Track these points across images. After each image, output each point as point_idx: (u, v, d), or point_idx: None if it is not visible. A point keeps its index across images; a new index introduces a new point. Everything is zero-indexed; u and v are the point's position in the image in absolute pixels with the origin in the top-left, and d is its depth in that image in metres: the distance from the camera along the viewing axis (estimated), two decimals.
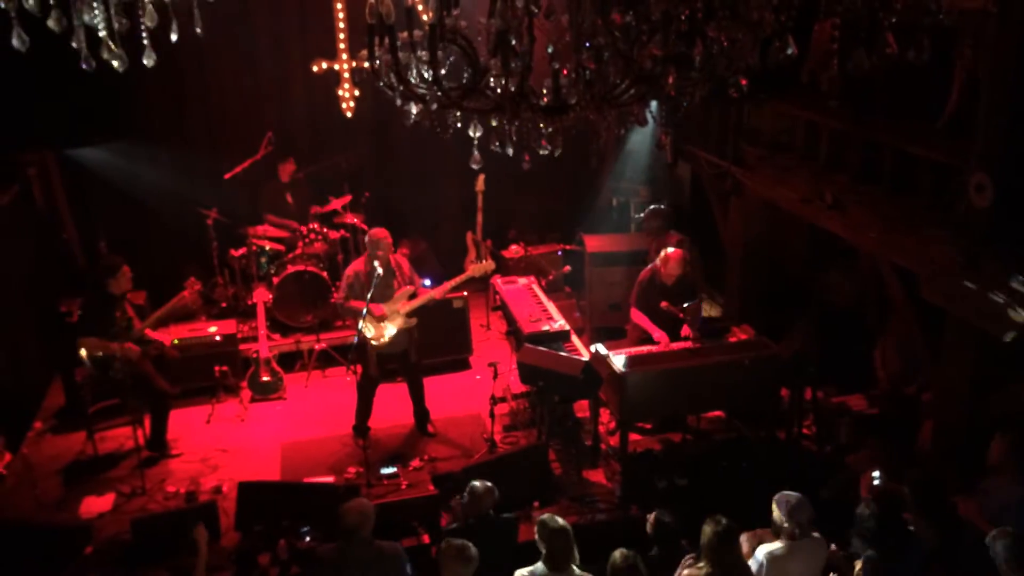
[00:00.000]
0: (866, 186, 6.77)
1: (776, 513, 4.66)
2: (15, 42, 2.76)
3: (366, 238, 7.20)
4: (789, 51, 3.08)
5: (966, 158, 5.54)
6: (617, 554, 4.41)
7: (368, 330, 7.08)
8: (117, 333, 6.91)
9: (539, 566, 4.52)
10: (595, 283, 9.23)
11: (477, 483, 5.30)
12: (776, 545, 4.67)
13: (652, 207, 9.13)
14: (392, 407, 7.91)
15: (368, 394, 7.47)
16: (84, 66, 2.88)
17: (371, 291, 6.90)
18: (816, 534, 4.70)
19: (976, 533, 4.89)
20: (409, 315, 7.21)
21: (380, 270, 6.96)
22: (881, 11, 2.91)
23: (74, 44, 2.82)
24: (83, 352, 6.85)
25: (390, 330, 7.14)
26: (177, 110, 9.86)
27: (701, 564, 4.49)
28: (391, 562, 4.85)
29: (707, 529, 4.50)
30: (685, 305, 7.05)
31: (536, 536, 4.60)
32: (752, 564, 4.68)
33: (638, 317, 7.42)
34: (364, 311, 6.89)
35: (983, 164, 5.33)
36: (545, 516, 4.66)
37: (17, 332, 8.12)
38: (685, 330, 7.12)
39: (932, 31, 2.99)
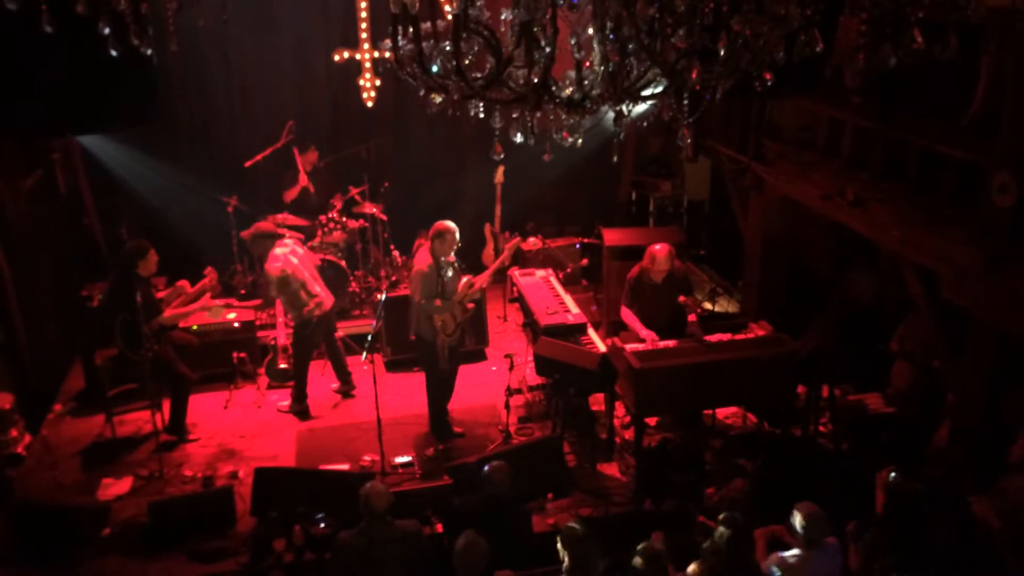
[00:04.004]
0: (888, 184, 6.70)
1: (794, 519, 4.65)
2: (44, 26, 2.79)
3: (435, 231, 7.01)
4: (816, 46, 3.05)
5: (990, 157, 5.49)
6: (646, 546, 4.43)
7: (446, 327, 7.11)
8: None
9: None
10: (613, 276, 9.20)
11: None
12: (790, 553, 4.66)
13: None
14: (408, 396, 7.96)
15: (447, 385, 7.48)
16: (112, 51, 2.90)
17: (442, 286, 6.97)
18: (832, 540, 4.69)
19: (989, 532, 4.87)
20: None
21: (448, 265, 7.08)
22: (908, 7, 2.88)
23: (106, 30, 2.84)
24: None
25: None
26: (199, 98, 9.91)
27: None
28: (412, 539, 4.94)
29: (718, 531, 4.52)
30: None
31: (559, 546, 4.52)
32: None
33: (627, 316, 7.34)
34: (442, 307, 6.99)
35: (1007, 163, 5.28)
36: (567, 524, 4.61)
37: (39, 315, 8.19)
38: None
39: (959, 28, 2.96)
